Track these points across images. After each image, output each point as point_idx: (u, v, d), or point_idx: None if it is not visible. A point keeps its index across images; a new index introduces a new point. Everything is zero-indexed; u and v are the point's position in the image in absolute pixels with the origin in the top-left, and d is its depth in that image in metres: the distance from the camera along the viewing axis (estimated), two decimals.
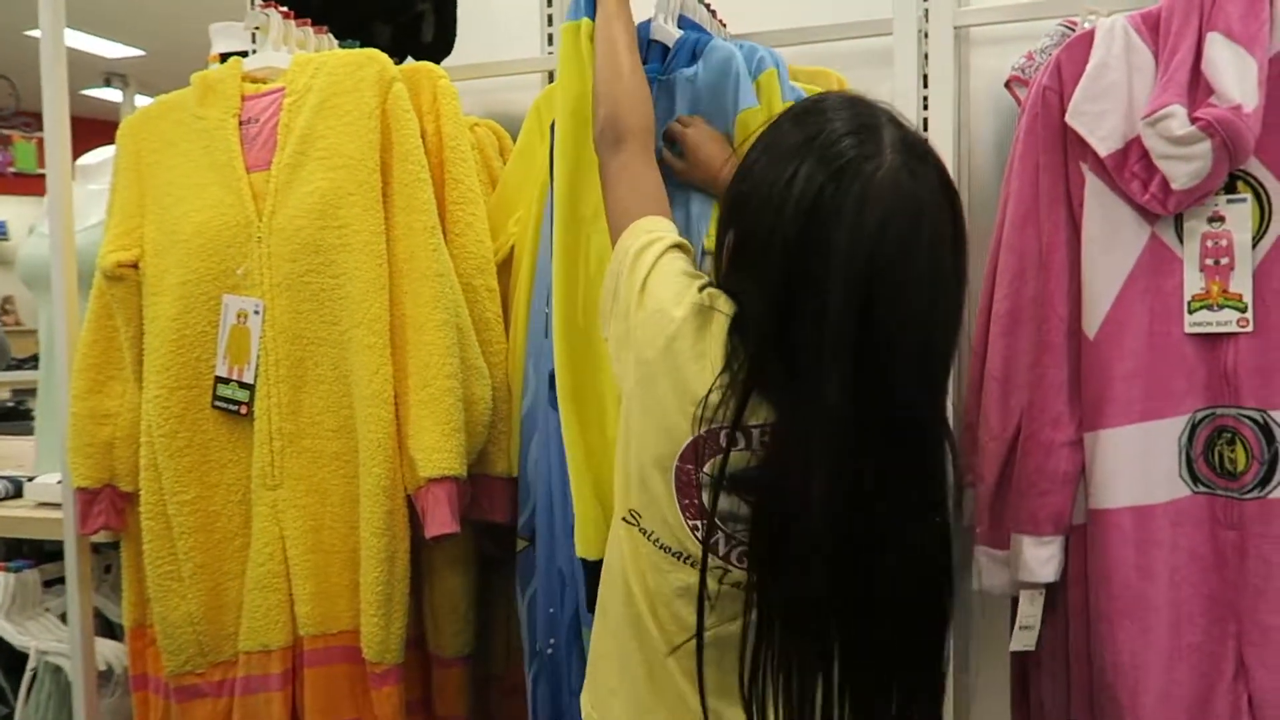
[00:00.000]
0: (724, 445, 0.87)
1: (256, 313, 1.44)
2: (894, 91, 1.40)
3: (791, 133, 0.88)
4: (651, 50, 1.37)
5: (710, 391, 0.87)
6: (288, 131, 1.44)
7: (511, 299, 1.54)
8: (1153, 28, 1.24)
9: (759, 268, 0.87)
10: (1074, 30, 1.48)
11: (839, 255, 0.81)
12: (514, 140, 1.71)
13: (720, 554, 0.91)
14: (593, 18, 1.22)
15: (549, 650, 1.33)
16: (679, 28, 1.35)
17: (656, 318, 0.92)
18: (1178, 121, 1.15)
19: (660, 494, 0.92)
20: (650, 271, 0.96)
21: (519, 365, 1.49)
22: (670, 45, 1.34)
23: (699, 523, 0.90)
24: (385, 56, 1.46)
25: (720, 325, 0.90)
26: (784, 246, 0.84)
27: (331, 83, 1.45)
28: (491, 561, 1.61)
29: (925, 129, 1.44)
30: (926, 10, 1.43)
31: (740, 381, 0.86)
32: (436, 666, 1.56)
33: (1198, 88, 1.18)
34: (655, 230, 1.01)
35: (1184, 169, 1.16)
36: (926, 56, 1.43)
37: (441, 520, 1.37)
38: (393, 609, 1.40)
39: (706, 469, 0.89)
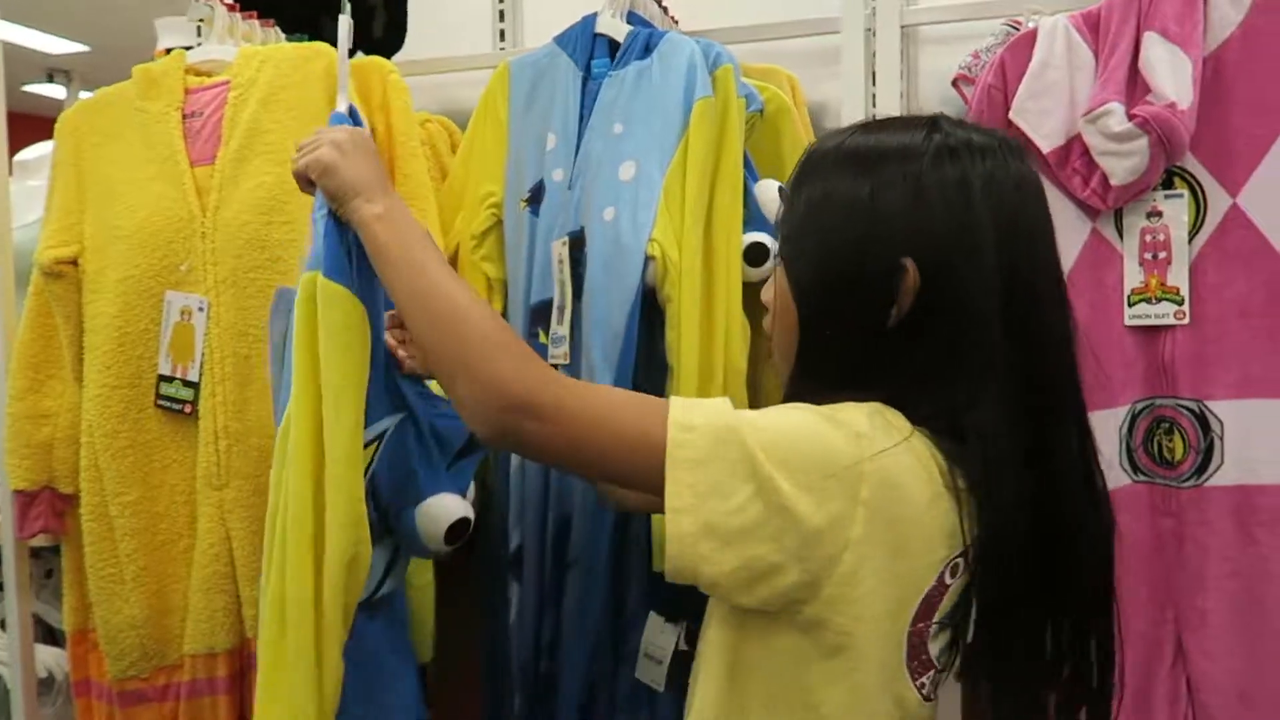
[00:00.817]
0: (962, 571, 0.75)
1: (201, 309, 1.42)
2: (844, 90, 1.42)
3: (883, 159, 0.77)
4: (597, 44, 1.38)
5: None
6: (233, 125, 1.42)
7: None
8: (1093, 27, 1.26)
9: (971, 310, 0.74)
10: (1018, 30, 1.50)
11: (1044, 240, 0.78)
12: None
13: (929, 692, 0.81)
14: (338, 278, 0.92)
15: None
16: (628, 24, 1.35)
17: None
18: (1116, 119, 1.18)
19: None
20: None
21: None
22: (620, 40, 1.34)
23: (926, 679, 0.79)
24: (332, 49, 1.44)
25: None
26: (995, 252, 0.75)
27: (278, 76, 1.43)
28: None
29: None
30: (874, 9, 1.44)
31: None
32: None
33: (1136, 86, 1.21)
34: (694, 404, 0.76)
35: (1122, 165, 1.19)
36: (874, 55, 1.44)
37: None
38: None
39: (936, 617, 0.77)
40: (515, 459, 1.40)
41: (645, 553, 1.22)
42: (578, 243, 1.30)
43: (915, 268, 0.75)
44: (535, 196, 1.41)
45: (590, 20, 1.37)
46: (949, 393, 0.75)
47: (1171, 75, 1.17)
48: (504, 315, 1.48)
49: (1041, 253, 0.79)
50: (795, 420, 0.73)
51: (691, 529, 0.69)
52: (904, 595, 0.74)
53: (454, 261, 1.54)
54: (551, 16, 1.64)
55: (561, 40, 1.42)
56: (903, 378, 0.75)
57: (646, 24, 1.36)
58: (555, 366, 1.35)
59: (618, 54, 1.33)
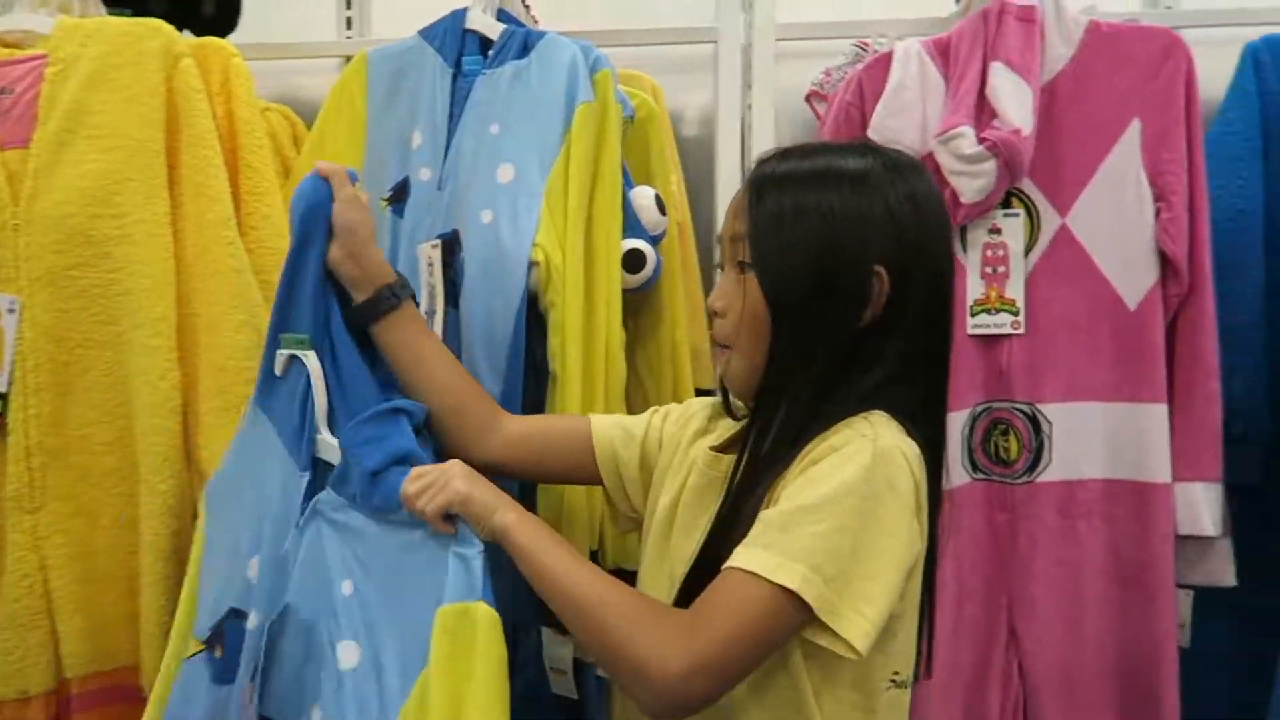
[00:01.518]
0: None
1: (11, 311, 1.26)
2: (718, 99, 1.44)
3: (846, 176, 0.84)
4: (467, 41, 1.33)
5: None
6: (51, 104, 1.27)
7: None
8: (943, 53, 1.35)
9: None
10: (866, 50, 1.59)
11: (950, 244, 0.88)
12: (308, 128, 1.61)
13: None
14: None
15: None
16: (500, 21, 1.32)
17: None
18: (967, 141, 1.26)
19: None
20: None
21: None
22: (492, 37, 1.30)
23: None
24: (171, 28, 1.33)
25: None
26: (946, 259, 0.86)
27: (108, 53, 1.29)
28: None
29: (744, 139, 1.50)
30: (752, 23, 1.48)
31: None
32: None
33: (983, 111, 1.30)
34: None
35: (972, 184, 1.28)
36: (750, 67, 1.48)
37: None
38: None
39: None
40: None
41: None
42: (450, 246, 1.25)
43: (886, 271, 0.81)
44: (398, 196, 1.35)
45: (459, 15, 1.32)
46: (914, 389, 0.82)
47: (1015, 103, 1.27)
48: None
49: (951, 256, 0.88)
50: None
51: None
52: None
53: None
54: (401, 7, 1.58)
55: (427, 34, 1.36)
56: (878, 375, 0.81)
57: (518, 22, 1.33)
58: None
59: (491, 52, 1.29)
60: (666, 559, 0.91)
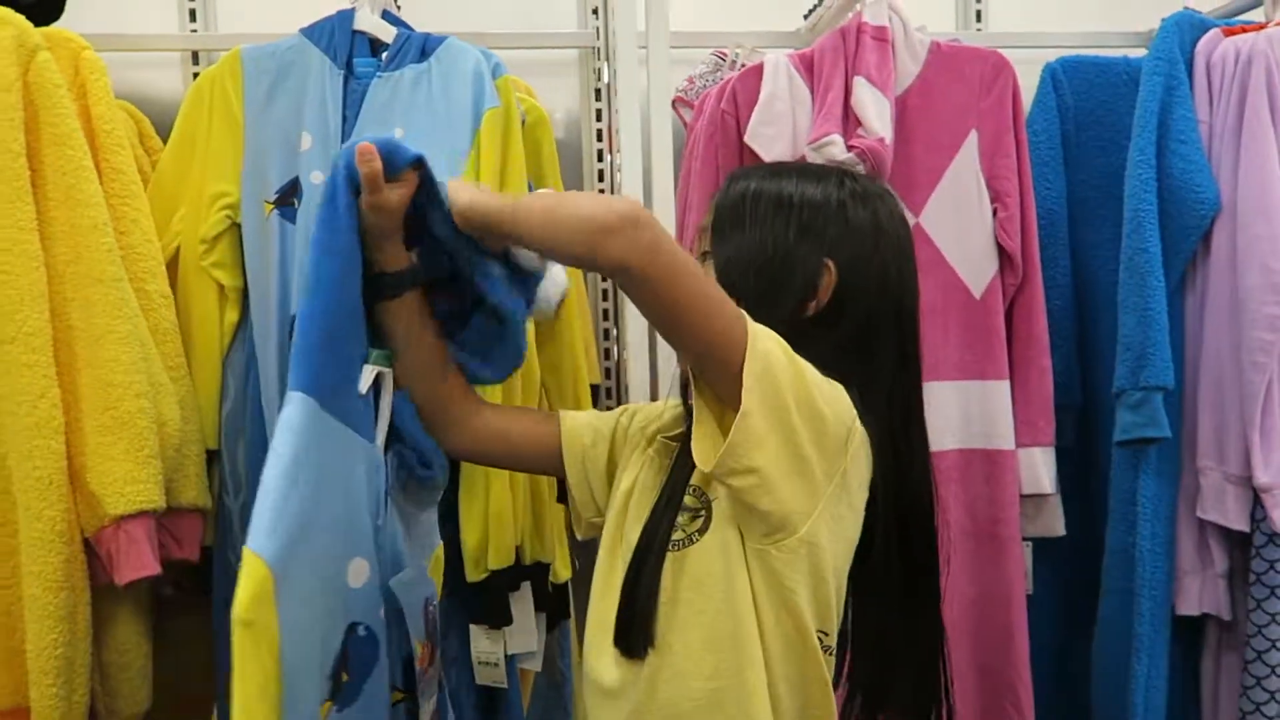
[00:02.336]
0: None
1: None
2: (608, 106, 1.49)
3: (798, 195, 0.91)
4: (357, 42, 1.32)
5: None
6: None
7: (183, 305, 1.38)
8: (808, 67, 1.46)
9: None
10: (724, 60, 1.70)
11: (913, 262, 0.97)
12: (154, 125, 1.53)
13: None
14: None
15: None
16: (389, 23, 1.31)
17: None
18: (838, 148, 1.39)
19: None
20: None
21: (210, 379, 1.34)
22: (384, 39, 1.30)
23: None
24: (21, 18, 1.23)
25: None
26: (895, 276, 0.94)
27: None
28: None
29: (609, 141, 1.56)
30: (613, 29, 1.54)
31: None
32: None
33: (848, 120, 1.42)
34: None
35: None
36: (617, 72, 1.54)
37: (139, 562, 1.19)
38: (75, 674, 1.19)
39: None
40: None
41: (457, 566, 1.21)
42: None
43: (835, 266, 0.89)
44: (285, 199, 1.32)
45: (347, 16, 1.30)
46: (849, 378, 0.88)
47: (876, 114, 1.40)
48: (245, 326, 1.37)
49: (912, 270, 0.98)
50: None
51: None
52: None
53: (173, 265, 1.38)
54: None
55: (310, 33, 1.33)
56: (817, 362, 0.86)
57: (407, 26, 1.33)
58: None
59: (387, 54, 1.28)
60: (621, 545, 0.95)
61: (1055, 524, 1.52)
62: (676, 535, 0.86)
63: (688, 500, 0.87)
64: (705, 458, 0.81)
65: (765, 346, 0.80)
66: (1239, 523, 1.35)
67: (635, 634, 0.86)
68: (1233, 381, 1.36)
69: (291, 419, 0.78)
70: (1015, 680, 1.46)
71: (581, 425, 1.02)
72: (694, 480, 0.88)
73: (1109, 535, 1.47)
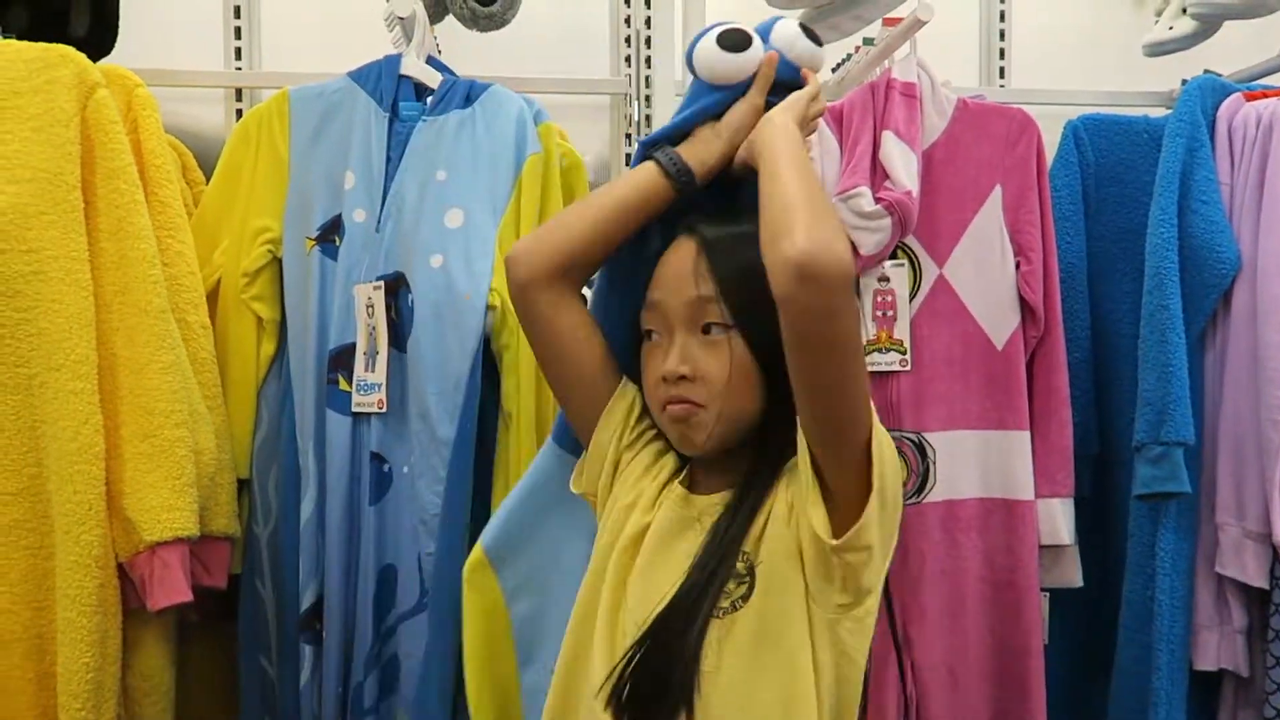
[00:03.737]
0: None
1: None
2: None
3: None
4: (403, 86, 1.36)
5: None
6: None
7: (221, 336, 1.41)
8: (837, 120, 1.50)
9: None
10: None
11: None
12: (196, 159, 1.57)
13: None
14: None
15: None
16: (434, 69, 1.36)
17: None
18: (866, 200, 1.42)
19: None
20: None
21: (245, 409, 1.37)
22: (429, 84, 1.34)
23: None
24: (83, 56, 1.27)
25: None
26: None
27: (9, 80, 1.22)
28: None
29: None
30: (648, 77, 1.58)
31: None
32: None
33: (875, 173, 1.46)
34: None
35: (871, 239, 1.43)
36: (649, 119, 1.58)
37: (172, 589, 1.22)
38: (103, 698, 1.21)
39: None
40: (307, 509, 1.32)
41: None
42: (393, 287, 1.27)
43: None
44: (327, 236, 1.35)
45: (394, 61, 1.35)
46: None
47: (904, 167, 1.43)
48: (281, 358, 1.40)
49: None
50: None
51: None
52: None
53: (213, 297, 1.41)
54: (287, 39, 1.56)
55: (358, 76, 1.37)
56: None
57: (452, 72, 1.37)
58: (367, 415, 1.31)
59: (432, 99, 1.32)
60: (625, 602, 0.90)
61: (1073, 575, 1.53)
62: (723, 603, 0.85)
63: (738, 566, 0.86)
64: (826, 531, 0.82)
65: (880, 428, 0.84)
66: (1258, 579, 1.36)
67: (668, 701, 0.83)
68: (1252, 438, 1.38)
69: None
70: None
71: (631, 394, 0.99)
72: (746, 547, 0.87)
73: (1126, 587, 1.48)
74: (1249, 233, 1.42)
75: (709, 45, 0.96)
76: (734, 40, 0.97)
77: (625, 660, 0.85)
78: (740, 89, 0.97)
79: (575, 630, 0.92)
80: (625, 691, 0.84)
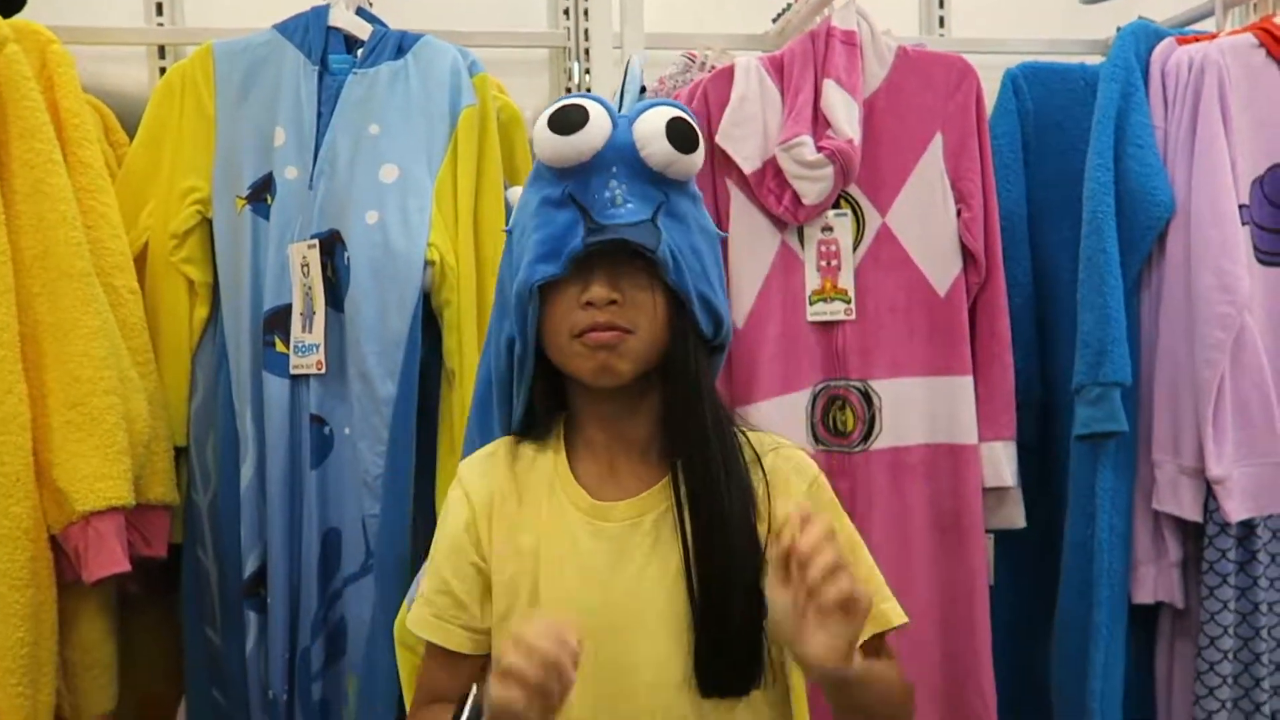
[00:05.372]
0: None
1: None
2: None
3: None
4: (332, 39, 1.32)
5: None
6: None
7: (151, 301, 1.37)
8: (778, 69, 1.49)
9: None
10: (694, 61, 1.72)
11: None
12: (119, 119, 1.51)
13: None
14: None
15: (284, 696, 1.23)
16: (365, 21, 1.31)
17: None
18: (808, 149, 1.41)
19: None
20: None
21: (179, 375, 1.33)
22: (360, 36, 1.30)
23: None
24: None
25: None
26: None
27: None
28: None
29: None
30: (587, 30, 1.55)
31: None
32: None
33: (817, 122, 1.45)
34: None
35: (813, 188, 1.43)
36: (589, 73, 1.55)
37: (108, 559, 1.19)
38: (41, 673, 1.18)
39: None
40: (247, 474, 1.30)
41: None
42: (329, 246, 1.24)
43: None
44: (258, 195, 1.31)
45: (322, 13, 1.30)
46: None
47: (845, 116, 1.43)
48: (215, 322, 1.36)
49: None
50: None
51: None
52: None
53: (141, 260, 1.37)
54: None
55: (285, 29, 1.33)
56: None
57: (382, 23, 1.33)
58: (306, 377, 1.28)
59: (363, 51, 1.29)
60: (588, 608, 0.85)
61: (1016, 516, 1.55)
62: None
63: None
64: None
65: None
66: (1193, 513, 1.40)
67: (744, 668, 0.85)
68: (1187, 377, 1.40)
69: None
70: (978, 667, 1.49)
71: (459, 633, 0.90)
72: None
73: (1068, 528, 1.51)
74: (1183, 176, 1.44)
75: (541, 126, 0.85)
76: (568, 120, 0.84)
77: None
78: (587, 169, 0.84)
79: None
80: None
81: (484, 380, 0.98)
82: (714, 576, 0.84)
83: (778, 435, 0.96)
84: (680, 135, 0.86)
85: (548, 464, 0.90)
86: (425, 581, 0.91)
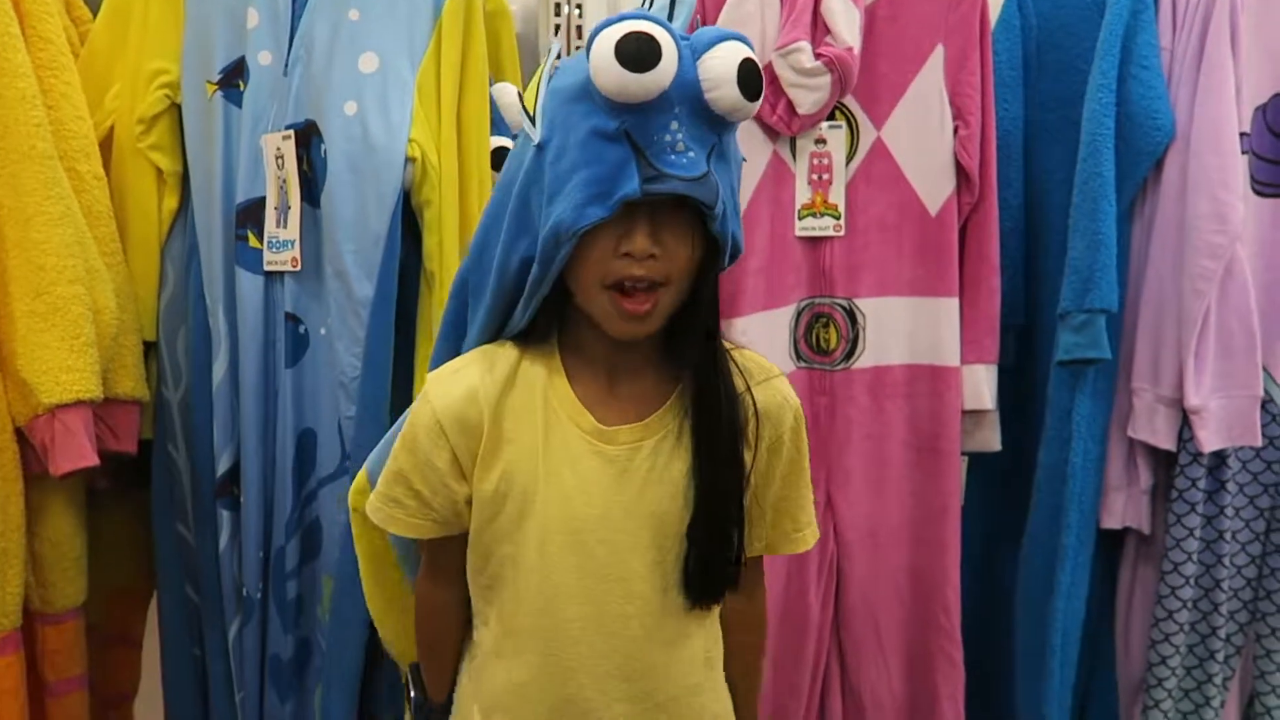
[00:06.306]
0: None
1: None
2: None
3: None
4: None
5: None
6: None
7: (118, 189, 1.31)
8: None
9: None
10: None
11: None
12: None
13: None
14: None
15: (258, 594, 1.23)
16: None
17: None
18: (806, 55, 1.36)
19: None
20: None
21: (148, 268, 1.29)
22: None
23: None
24: None
25: None
26: None
27: None
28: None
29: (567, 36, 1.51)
30: None
31: None
32: (43, 625, 1.32)
33: (816, 28, 1.40)
34: None
35: (809, 97, 1.38)
36: None
37: (75, 453, 1.16)
38: (9, 564, 1.17)
39: None
40: (219, 371, 1.27)
41: None
42: (305, 137, 1.19)
43: None
44: (230, 80, 1.25)
45: None
46: None
47: (846, 23, 1.37)
48: (185, 213, 1.31)
49: None
50: None
51: None
52: None
53: (106, 146, 1.31)
54: None
55: None
56: None
57: None
58: (280, 274, 1.24)
59: None
60: (588, 530, 0.87)
61: (993, 439, 1.56)
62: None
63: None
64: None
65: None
66: (1167, 442, 1.41)
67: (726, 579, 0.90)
68: (1172, 307, 1.40)
69: None
70: (945, 586, 1.51)
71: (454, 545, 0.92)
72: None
73: (1042, 452, 1.52)
74: (1185, 100, 1.40)
75: (606, 53, 0.76)
76: (640, 55, 0.76)
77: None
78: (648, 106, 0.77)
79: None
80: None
81: (461, 287, 0.92)
82: (715, 490, 0.86)
83: (760, 358, 0.94)
84: (750, 81, 0.80)
85: (540, 377, 0.87)
86: (389, 483, 0.89)
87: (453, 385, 0.87)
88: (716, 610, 0.93)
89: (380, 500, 0.89)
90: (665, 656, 0.89)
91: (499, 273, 0.86)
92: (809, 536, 0.97)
